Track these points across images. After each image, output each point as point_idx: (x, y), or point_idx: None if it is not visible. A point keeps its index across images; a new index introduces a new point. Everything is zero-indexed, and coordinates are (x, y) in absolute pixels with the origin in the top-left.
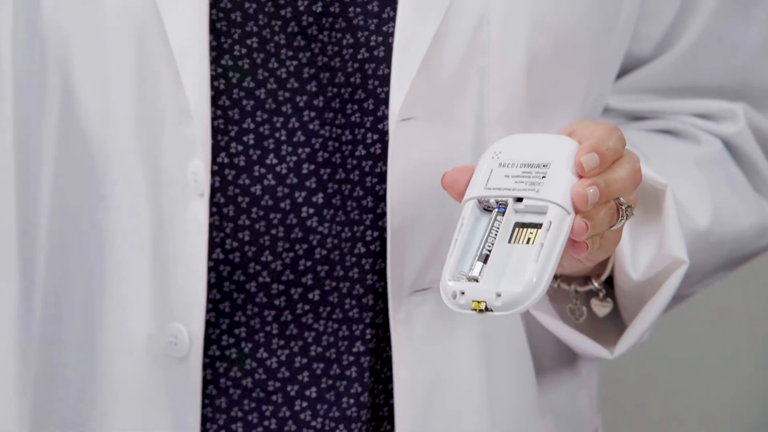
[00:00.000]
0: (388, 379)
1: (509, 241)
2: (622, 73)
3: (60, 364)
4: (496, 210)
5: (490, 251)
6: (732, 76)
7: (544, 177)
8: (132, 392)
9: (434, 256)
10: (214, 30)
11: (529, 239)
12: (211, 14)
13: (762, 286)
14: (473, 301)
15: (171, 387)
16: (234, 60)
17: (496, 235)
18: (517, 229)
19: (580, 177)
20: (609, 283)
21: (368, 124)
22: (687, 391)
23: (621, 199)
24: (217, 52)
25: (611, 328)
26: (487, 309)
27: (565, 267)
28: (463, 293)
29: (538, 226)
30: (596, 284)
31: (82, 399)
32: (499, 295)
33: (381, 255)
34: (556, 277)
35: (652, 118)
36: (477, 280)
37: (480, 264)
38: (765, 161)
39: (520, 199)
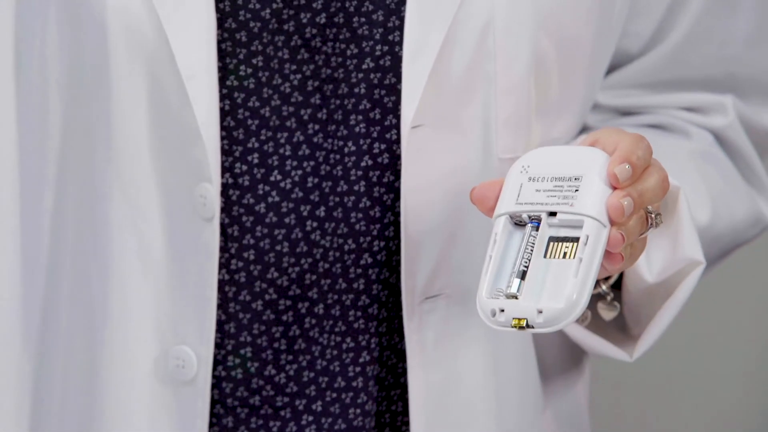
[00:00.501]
0: (391, 386)
1: (545, 256)
2: (611, 69)
3: (61, 387)
4: (530, 225)
5: (527, 267)
6: (719, 68)
7: (576, 190)
8: (136, 415)
9: (443, 262)
10: (219, 51)
11: (565, 253)
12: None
13: (762, 287)
14: (514, 318)
15: (177, 410)
16: (239, 80)
17: (531, 250)
18: (552, 244)
19: (614, 189)
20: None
21: (375, 134)
22: (685, 392)
23: (649, 207)
24: (222, 73)
25: (612, 328)
26: (528, 326)
27: None
28: (502, 311)
29: (573, 240)
30: (604, 288)
31: (83, 423)
32: (540, 312)
33: (387, 264)
34: None
35: (640, 113)
36: (516, 297)
37: (518, 281)
38: (754, 152)
39: (553, 214)
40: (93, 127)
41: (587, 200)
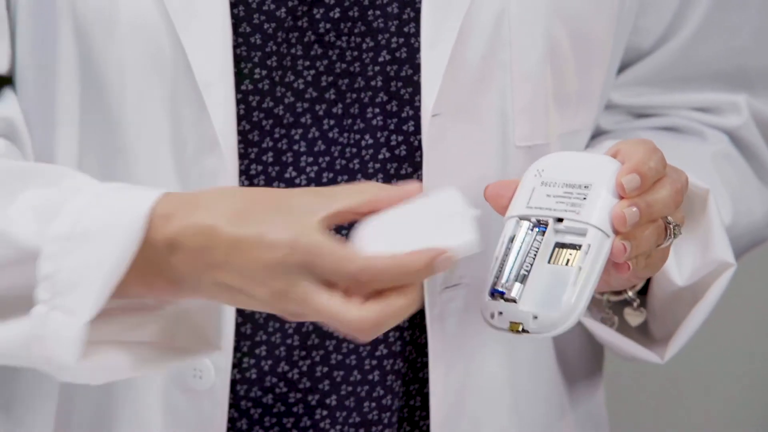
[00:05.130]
0: (411, 381)
1: (549, 261)
2: (623, 66)
3: (76, 398)
4: (537, 229)
5: (528, 272)
6: (730, 63)
7: (584, 198)
8: (151, 422)
9: None
10: (234, 56)
11: (568, 260)
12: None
13: (762, 286)
14: (510, 322)
15: (193, 417)
16: (254, 83)
17: (535, 255)
18: (557, 249)
19: (621, 198)
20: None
21: (392, 126)
22: (686, 392)
23: (669, 218)
24: (237, 78)
25: (633, 331)
26: (523, 330)
27: (613, 284)
28: (501, 313)
29: (577, 247)
30: (631, 294)
31: (96, 426)
32: (536, 317)
33: None
34: None
35: (654, 115)
36: (515, 301)
37: (518, 285)
38: None
39: (560, 220)
40: (108, 140)
41: (593, 209)
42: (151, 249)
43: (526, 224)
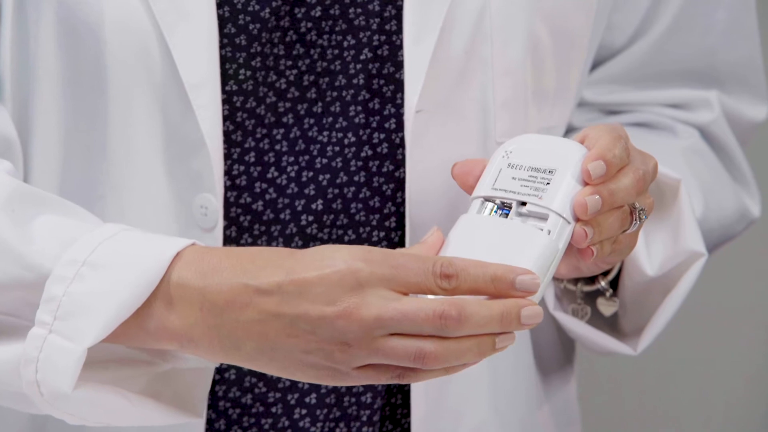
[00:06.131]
0: None
1: None
2: (596, 64)
3: None
4: (501, 212)
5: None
6: (701, 60)
7: (548, 183)
8: None
9: None
10: (219, 57)
11: None
12: None
13: (762, 286)
14: None
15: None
16: (238, 84)
17: None
18: None
19: (586, 184)
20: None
21: (374, 124)
22: (684, 391)
23: (636, 203)
24: (222, 79)
25: (604, 325)
26: None
27: (584, 270)
28: None
29: None
30: (603, 284)
31: None
32: None
33: None
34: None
35: (626, 112)
36: None
37: None
38: (738, 148)
39: (524, 203)
40: (91, 137)
41: (555, 195)
42: (174, 289)
43: (490, 206)
